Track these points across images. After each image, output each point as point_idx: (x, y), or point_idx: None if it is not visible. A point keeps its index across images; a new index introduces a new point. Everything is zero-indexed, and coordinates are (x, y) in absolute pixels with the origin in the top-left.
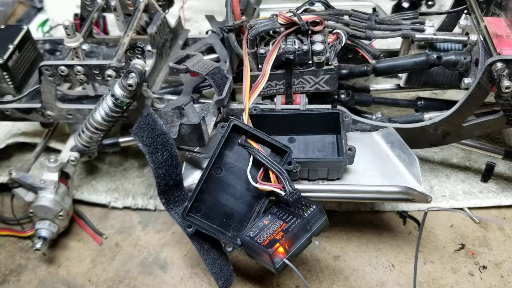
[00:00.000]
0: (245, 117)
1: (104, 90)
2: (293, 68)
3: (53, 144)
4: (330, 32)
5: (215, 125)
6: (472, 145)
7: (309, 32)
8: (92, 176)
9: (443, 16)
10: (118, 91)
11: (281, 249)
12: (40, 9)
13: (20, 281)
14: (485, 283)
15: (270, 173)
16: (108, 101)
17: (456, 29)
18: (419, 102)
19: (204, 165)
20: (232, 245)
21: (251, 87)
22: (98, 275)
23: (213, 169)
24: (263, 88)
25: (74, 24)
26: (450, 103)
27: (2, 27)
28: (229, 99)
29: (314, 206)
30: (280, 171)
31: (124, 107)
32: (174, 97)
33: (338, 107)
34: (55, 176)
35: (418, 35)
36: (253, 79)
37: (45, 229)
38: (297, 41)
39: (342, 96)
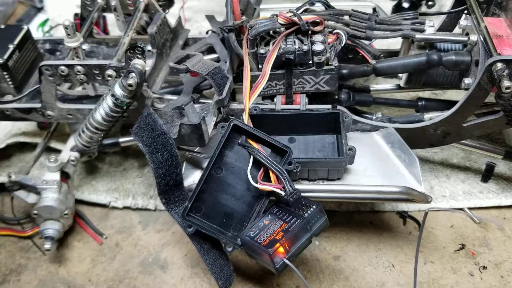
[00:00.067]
0: (245, 117)
1: (104, 90)
2: (293, 68)
3: (53, 144)
4: (330, 32)
5: (215, 125)
6: (472, 145)
7: (309, 32)
8: (92, 176)
9: (443, 16)
10: (118, 91)
11: (281, 249)
12: (40, 9)
13: (20, 281)
14: (485, 283)
15: (270, 173)
16: (108, 101)
17: (456, 30)
18: (419, 102)
19: (204, 165)
20: (232, 245)
21: (251, 87)
22: (98, 275)
23: (213, 169)
24: (263, 88)
25: (74, 24)
26: (450, 103)
27: (2, 27)
28: (229, 99)
29: (314, 206)
30: (280, 171)
31: (124, 107)
32: (174, 97)
33: (338, 107)
34: (56, 176)
35: (418, 35)
36: (253, 79)
37: (52, 228)
38: (297, 41)
39: (342, 96)
